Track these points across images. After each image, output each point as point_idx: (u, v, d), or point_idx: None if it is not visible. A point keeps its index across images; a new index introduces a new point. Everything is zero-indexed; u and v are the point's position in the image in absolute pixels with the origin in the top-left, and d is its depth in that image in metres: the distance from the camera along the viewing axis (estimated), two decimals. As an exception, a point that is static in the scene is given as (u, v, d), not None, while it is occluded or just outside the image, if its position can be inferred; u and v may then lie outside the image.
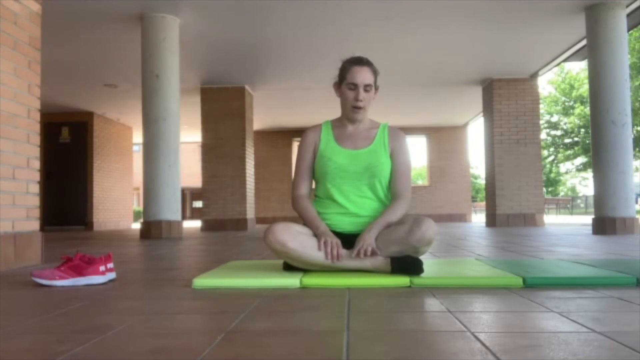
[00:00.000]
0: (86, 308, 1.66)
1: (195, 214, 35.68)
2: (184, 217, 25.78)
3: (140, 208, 24.49)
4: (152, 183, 6.42)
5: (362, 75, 2.31)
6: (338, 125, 2.44)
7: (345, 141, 2.39)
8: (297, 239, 2.14)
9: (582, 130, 29.95)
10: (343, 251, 2.15)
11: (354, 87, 2.31)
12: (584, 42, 7.25)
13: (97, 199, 12.42)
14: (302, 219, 2.36)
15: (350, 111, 2.35)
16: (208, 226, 9.70)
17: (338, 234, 2.22)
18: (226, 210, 9.78)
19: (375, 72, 2.37)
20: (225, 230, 9.37)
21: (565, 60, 8.62)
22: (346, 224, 2.31)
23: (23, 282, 2.31)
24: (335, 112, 2.43)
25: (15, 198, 3.09)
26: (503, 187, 9.46)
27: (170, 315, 1.55)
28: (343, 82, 2.35)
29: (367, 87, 2.32)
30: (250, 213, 10.09)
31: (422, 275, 2.06)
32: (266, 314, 1.50)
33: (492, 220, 9.58)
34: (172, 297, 1.85)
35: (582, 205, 29.66)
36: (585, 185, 40.32)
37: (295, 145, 15.06)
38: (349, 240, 2.21)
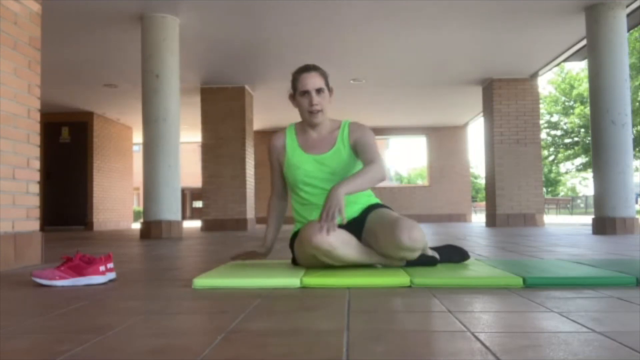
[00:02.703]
0: (86, 308, 1.66)
1: (195, 214, 35.68)
2: (184, 217, 25.77)
3: (140, 208, 24.48)
4: (152, 183, 6.42)
5: (312, 81, 2.41)
6: (302, 131, 2.53)
7: (310, 148, 2.48)
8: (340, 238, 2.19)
9: (582, 130, 29.94)
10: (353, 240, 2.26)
11: (306, 93, 2.41)
12: (584, 42, 7.25)
13: (97, 199, 12.42)
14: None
15: (309, 117, 2.45)
16: (208, 226, 9.70)
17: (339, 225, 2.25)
18: (226, 210, 9.78)
19: (324, 75, 2.46)
20: (225, 230, 9.37)
21: (565, 60, 8.63)
22: None
23: (23, 282, 2.30)
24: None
25: (15, 198, 3.09)
26: (503, 187, 9.46)
27: (170, 315, 1.55)
28: (296, 92, 2.46)
29: (319, 91, 2.41)
30: (250, 213, 10.09)
31: (422, 275, 2.06)
32: (266, 314, 1.50)
33: (492, 220, 9.58)
34: (172, 297, 1.85)
35: (582, 205, 29.64)
36: (585, 185, 40.31)
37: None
38: (349, 225, 2.32)
